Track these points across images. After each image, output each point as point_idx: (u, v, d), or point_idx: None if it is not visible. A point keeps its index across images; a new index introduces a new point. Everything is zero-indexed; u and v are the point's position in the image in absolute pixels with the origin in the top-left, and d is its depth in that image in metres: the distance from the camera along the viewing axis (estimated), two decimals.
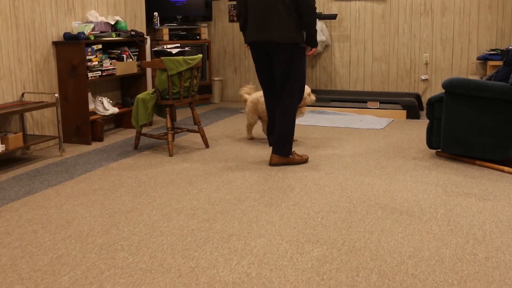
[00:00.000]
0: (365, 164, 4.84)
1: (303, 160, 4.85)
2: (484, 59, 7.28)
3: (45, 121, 5.62)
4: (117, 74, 6.18)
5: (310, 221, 3.44)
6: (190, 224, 3.42)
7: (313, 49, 4.78)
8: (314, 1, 4.55)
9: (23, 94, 5.30)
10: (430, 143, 5.05)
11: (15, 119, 5.26)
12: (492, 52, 7.24)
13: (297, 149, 5.40)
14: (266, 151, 5.32)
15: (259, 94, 5.67)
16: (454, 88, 4.68)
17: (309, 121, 6.84)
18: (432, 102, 4.96)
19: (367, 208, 3.67)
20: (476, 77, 7.32)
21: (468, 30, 7.69)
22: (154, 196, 3.97)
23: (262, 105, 5.58)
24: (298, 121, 6.88)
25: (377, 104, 7.22)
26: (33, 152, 5.43)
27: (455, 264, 2.80)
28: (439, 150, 5.00)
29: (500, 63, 6.82)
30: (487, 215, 3.52)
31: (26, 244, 3.15)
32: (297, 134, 6.14)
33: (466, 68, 7.76)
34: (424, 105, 7.64)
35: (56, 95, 5.29)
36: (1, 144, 4.69)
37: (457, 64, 7.80)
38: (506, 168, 4.50)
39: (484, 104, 4.55)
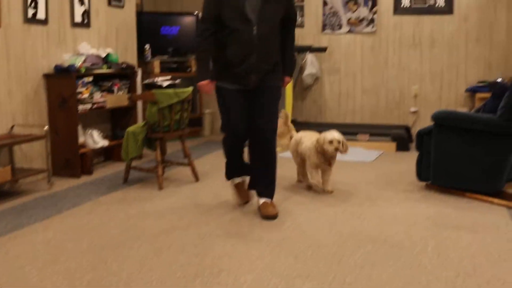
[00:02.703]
0: (355, 196, 4.84)
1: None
2: (472, 91, 7.35)
3: (34, 154, 5.60)
4: (107, 107, 6.19)
5: (300, 255, 3.42)
6: (180, 259, 3.39)
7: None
8: None
9: (12, 127, 5.29)
10: (420, 175, 5.07)
11: (4, 152, 5.23)
12: (480, 84, 7.31)
13: (285, 182, 5.40)
14: None
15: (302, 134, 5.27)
16: (443, 120, 4.72)
17: None
18: (422, 134, 4.99)
19: (358, 242, 3.65)
20: (464, 109, 7.38)
21: (456, 62, 7.77)
22: (143, 231, 3.94)
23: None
24: (288, 153, 6.87)
25: (367, 137, 7.25)
26: (22, 185, 5.39)
27: None
28: (429, 182, 5.01)
29: (488, 95, 6.87)
30: (477, 248, 3.51)
31: (13, 281, 3.11)
32: (288, 167, 6.14)
33: (455, 100, 7.82)
34: (414, 138, 7.68)
35: (46, 127, 5.28)
36: None
37: (445, 96, 7.86)
38: (495, 200, 4.51)
39: (473, 136, 4.57)
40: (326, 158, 4.80)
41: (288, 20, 4.25)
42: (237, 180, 4.56)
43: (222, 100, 4.20)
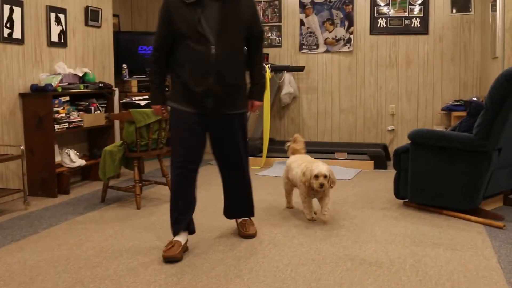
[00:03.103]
0: (333, 215, 4.84)
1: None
2: (448, 110, 7.43)
3: (10, 174, 5.53)
4: (84, 126, 6.15)
5: (279, 274, 3.41)
6: (158, 279, 3.35)
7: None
8: None
9: None
10: (398, 193, 5.09)
11: None
12: (456, 103, 7.40)
13: (266, 202, 5.39)
14: None
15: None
16: (419, 139, 4.76)
17: (277, 172, 6.85)
18: (399, 153, 5.03)
19: (336, 260, 3.65)
20: (441, 128, 7.45)
21: (432, 82, 7.86)
22: (120, 251, 3.90)
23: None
24: (267, 172, 6.88)
25: (345, 155, 7.28)
26: None
27: None
28: (407, 200, 5.04)
29: (463, 113, 6.96)
30: (455, 265, 3.53)
31: None
32: (267, 186, 6.14)
33: (431, 119, 7.90)
34: (391, 156, 7.74)
35: (21, 147, 5.22)
36: None
37: (422, 115, 7.94)
38: (473, 218, 4.54)
39: (450, 154, 4.62)
40: (315, 190, 4.47)
41: (253, 38, 3.93)
42: (182, 237, 3.84)
43: (176, 123, 3.80)
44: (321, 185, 4.33)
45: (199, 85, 3.67)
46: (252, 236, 4.16)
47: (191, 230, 3.93)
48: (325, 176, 4.35)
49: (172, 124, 3.84)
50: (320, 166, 4.38)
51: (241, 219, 4.28)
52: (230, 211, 4.30)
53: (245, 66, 3.92)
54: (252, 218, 4.33)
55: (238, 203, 4.23)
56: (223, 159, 4.03)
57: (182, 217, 3.82)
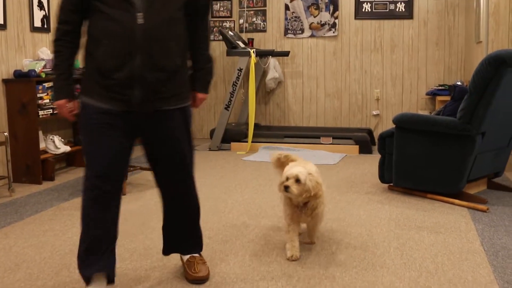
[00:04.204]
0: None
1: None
2: (432, 94, 7.47)
3: None
4: None
5: (264, 258, 3.42)
6: (144, 264, 3.36)
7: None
8: None
9: None
10: (382, 178, 5.12)
11: None
12: (440, 88, 7.44)
13: (250, 186, 5.40)
14: (220, 189, 5.29)
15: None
16: (404, 123, 4.78)
17: (262, 157, 6.86)
18: (384, 137, 5.05)
19: (321, 243, 3.67)
20: (425, 112, 7.49)
21: (416, 66, 7.90)
22: None
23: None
24: (253, 157, 6.89)
25: (330, 140, 7.31)
26: None
27: None
28: (391, 184, 5.07)
29: (448, 98, 7.01)
30: (439, 247, 3.56)
31: None
32: (252, 170, 6.15)
33: (416, 103, 7.94)
34: (376, 140, 7.78)
35: (5, 133, 5.18)
36: None
37: (407, 99, 7.98)
38: (456, 201, 4.59)
39: (434, 138, 4.65)
40: (299, 206, 3.41)
41: (196, 6, 2.91)
42: (97, 285, 2.81)
43: (86, 125, 2.74)
44: (285, 188, 3.27)
45: (120, 70, 2.61)
46: (201, 280, 3.06)
47: (110, 278, 2.85)
48: (297, 181, 3.26)
49: (81, 126, 2.77)
50: (296, 168, 3.33)
51: (188, 255, 3.18)
52: (172, 245, 3.20)
53: (186, 43, 2.90)
54: (202, 255, 3.24)
55: (183, 233, 3.15)
56: (162, 172, 2.98)
57: (95, 257, 2.77)
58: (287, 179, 3.30)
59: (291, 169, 3.33)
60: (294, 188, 3.25)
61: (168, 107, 2.78)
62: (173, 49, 2.73)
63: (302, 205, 3.38)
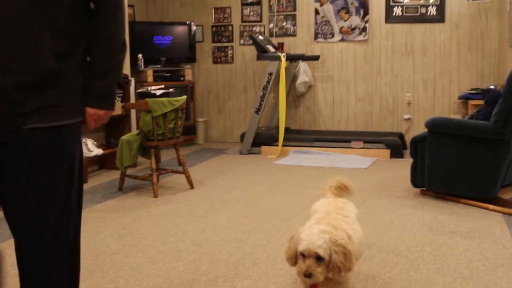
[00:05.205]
0: None
1: None
2: (465, 98, 7.39)
3: None
4: None
5: None
6: (176, 266, 3.38)
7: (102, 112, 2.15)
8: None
9: None
10: (415, 182, 5.08)
11: None
12: (473, 92, 7.35)
13: (280, 190, 5.40)
14: (251, 193, 5.30)
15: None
16: (437, 127, 4.74)
17: (293, 161, 6.85)
18: (416, 141, 5.01)
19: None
20: (458, 116, 7.41)
21: (449, 70, 7.81)
22: (139, 238, 3.93)
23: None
24: (283, 160, 6.89)
25: (361, 144, 7.27)
26: None
27: None
28: (424, 188, 5.02)
29: (481, 102, 6.92)
30: (474, 253, 3.52)
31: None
32: (282, 173, 6.14)
33: (448, 108, 7.86)
34: (407, 144, 7.71)
35: None
36: None
37: (439, 104, 7.90)
38: (490, 206, 4.53)
39: (467, 143, 4.59)
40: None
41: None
42: None
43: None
44: (306, 276, 2.37)
45: None
46: None
47: None
48: (318, 258, 2.37)
49: None
50: (315, 235, 2.40)
51: None
52: None
53: (77, 33, 2.04)
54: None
55: None
56: (18, 230, 2.03)
57: None
58: (303, 256, 2.39)
59: (308, 238, 2.40)
60: (319, 273, 2.36)
61: (34, 124, 1.92)
62: (43, 42, 1.91)
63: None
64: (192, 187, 5.47)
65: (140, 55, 7.88)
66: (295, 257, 2.44)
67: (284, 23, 8.46)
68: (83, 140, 6.06)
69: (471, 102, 7.20)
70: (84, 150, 6.02)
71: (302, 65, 8.07)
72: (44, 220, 1.98)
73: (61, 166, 2.00)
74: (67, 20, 1.98)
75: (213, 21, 8.82)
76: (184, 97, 5.36)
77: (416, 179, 5.05)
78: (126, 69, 7.22)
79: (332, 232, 2.43)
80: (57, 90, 1.96)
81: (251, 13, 8.61)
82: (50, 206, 1.99)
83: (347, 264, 2.39)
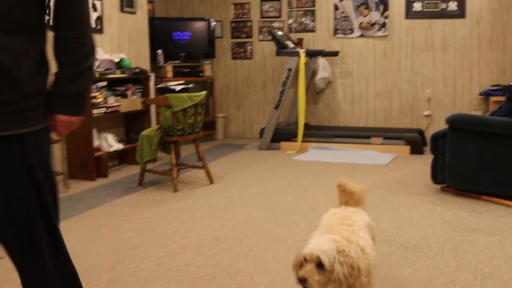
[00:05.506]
0: (370, 199, 4.80)
1: None
2: (486, 94, 7.32)
3: None
4: (121, 111, 6.22)
5: None
6: (196, 260, 3.40)
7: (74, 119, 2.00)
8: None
9: None
10: (435, 178, 5.05)
11: None
12: (494, 88, 7.28)
13: (300, 185, 5.40)
14: (270, 188, 5.31)
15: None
16: (458, 123, 4.70)
17: (313, 156, 6.84)
18: (436, 137, 4.98)
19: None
20: (479, 113, 7.35)
21: (469, 66, 7.75)
22: (159, 233, 3.96)
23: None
24: (303, 156, 6.88)
25: (381, 140, 7.24)
26: None
27: None
28: (444, 185, 4.99)
29: (502, 98, 6.85)
30: (495, 250, 3.49)
31: None
32: (302, 169, 6.14)
33: (468, 104, 7.79)
34: (428, 141, 7.66)
35: None
36: None
37: (459, 100, 7.84)
38: None
39: (488, 139, 4.56)
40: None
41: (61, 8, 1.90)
42: None
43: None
44: (301, 281, 2.15)
45: None
46: None
47: None
48: (320, 265, 2.14)
49: None
50: (322, 241, 2.22)
51: None
52: None
53: (34, 30, 1.89)
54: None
55: None
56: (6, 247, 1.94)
57: None
58: (305, 261, 2.17)
59: (313, 242, 2.22)
60: (315, 282, 2.11)
61: None
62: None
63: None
64: (211, 182, 5.49)
65: (160, 51, 7.91)
66: (300, 264, 2.20)
67: (303, 19, 8.45)
68: (104, 135, 6.10)
69: (492, 98, 7.14)
70: (105, 145, 6.07)
71: (321, 61, 8.05)
72: (36, 239, 1.89)
73: (28, 172, 1.84)
74: (22, 15, 1.79)
75: (232, 17, 8.82)
76: (204, 92, 5.38)
77: (437, 176, 5.03)
78: (146, 64, 7.26)
79: (342, 242, 2.20)
80: (15, 94, 1.77)
81: (270, 9, 8.60)
82: (19, 216, 1.85)
83: (351, 280, 2.12)
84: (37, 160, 1.86)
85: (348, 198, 2.87)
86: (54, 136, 2.04)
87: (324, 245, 2.15)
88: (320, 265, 2.12)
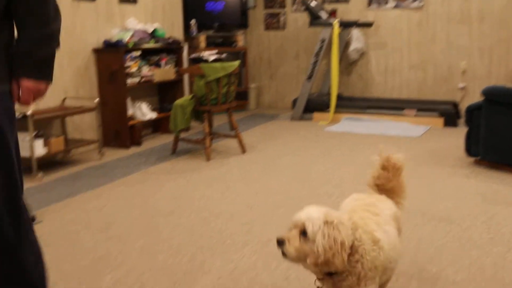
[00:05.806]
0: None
1: None
2: None
3: (85, 126, 5.72)
4: (155, 81, 6.27)
5: None
6: (229, 227, 3.44)
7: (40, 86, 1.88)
8: None
9: (64, 99, 5.41)
10: (469, 151, 5.00)
11: (56, 123, 5.37)
12: None
13: (332, 156, 5.39)
14: (302, 158, 5.32)
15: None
16: (494, 96, 4.64)
17: (345, 127, 6.82)
18: (471, 109, 4.92)
19: (406, 215, 3.64)
20: None
21: (506, 37, 7.59)
22: (192, 200, 4.01)
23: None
24: (335, 127, 6.86)
25: (414, 112, 7.17)
26: (74, 155, 5.53)
27: (496, 273, 2.77)
28: (478, 158, 4.94)
29: None
30: None
31: (68, 245, 3.21)
32: (334, 140, 6.13)
33: (505, 77, 7.65)
34: (462, 113, 7.57)
35: (96, 100, 5.39)
36: (44, 147, 4.79)
37: (495, 72, 7.70)
38: None
39: None
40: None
41: None
42: None
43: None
44: (278, 243, 1.98)
45: None
46: None
47: None
48: (303, 233, 1.95)
49: None
50: (314, 209, 2.01)
51: None
52: None
53: None
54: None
55: None
56: None
57: None
58: (294, 227, 2.01)
59: (305, 211, 2.03)
60: (291, 247, 1.95)
61: None
62: None
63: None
64: (244, 151, 5.52)
65: (193, 21, 7.91)
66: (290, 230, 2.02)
67: None
68: (138, 104, 6.17)
69: None
70: (138, 113, 6.14)
71: (355, 32, 7.97)
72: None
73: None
74: None
75: None
76: (237, 62, 5.38)
77: (471, 148, 4.98)
78: (179, 34, 7.28)
79: (336, 215, 1.98)
80: None
81: None
82: None
83: (329, 253, 1.88)
84: (7, 136, 1.71)
85: (392, 174, 2.60)
86: (19, 107, 1.85)
87: (314, 213, 1.97)
88: (304, 232, 1.95)
